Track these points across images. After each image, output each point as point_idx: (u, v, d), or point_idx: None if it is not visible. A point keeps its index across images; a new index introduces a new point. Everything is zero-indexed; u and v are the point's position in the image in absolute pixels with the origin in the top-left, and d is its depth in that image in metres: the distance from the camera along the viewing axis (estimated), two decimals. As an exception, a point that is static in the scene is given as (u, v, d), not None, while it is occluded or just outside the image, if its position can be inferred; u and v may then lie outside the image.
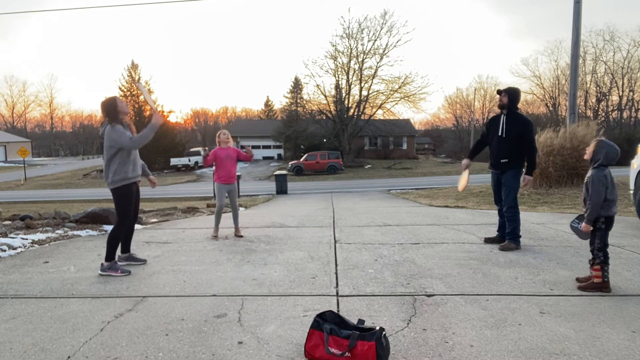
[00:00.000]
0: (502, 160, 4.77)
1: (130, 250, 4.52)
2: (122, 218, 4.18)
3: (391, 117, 39.89)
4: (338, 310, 3.06)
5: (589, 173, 3.39)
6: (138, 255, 4.66)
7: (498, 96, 4.89)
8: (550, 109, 48.68)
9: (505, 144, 4.74)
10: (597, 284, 3.33)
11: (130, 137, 4.05)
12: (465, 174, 5.17)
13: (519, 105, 4.91)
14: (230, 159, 5.93)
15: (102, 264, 4.10)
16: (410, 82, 36.88)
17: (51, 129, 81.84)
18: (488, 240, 5.18)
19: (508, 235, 4.83)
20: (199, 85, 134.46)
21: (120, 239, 4.23)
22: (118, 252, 4.30)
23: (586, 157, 3.48)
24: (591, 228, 3.35)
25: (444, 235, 5.79)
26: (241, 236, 5.98)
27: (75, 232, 6.45)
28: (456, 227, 6.46)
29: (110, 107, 4.11)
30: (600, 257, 3.34)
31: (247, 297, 3.39)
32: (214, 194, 16.53)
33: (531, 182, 4.69)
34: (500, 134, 4.78)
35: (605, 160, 3.33)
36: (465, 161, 5.18)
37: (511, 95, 4.76)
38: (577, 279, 3.60)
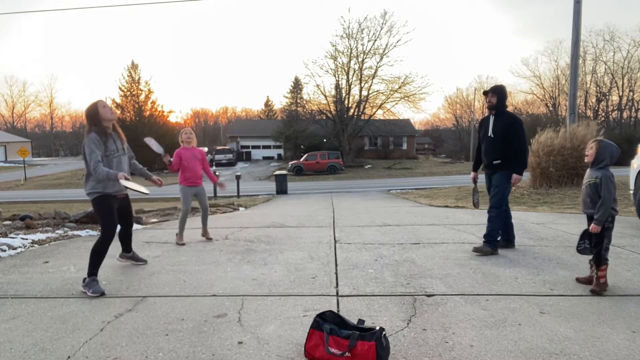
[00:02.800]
0: (494, 162, 4.62)
1: (132, 250, 4.44)
2: (105, 230, 3.72)
3: (391, 117, 39.91)
4: (338, 310, 3.06)
5: (595, 174, 3.32)
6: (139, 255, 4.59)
7: (485, 97, 4.72)
8: (550, 109, 48.68)
9: (495, 144, 4.60)
10: (604, 284, 3.32)
11: (98, 161, 3.59)
12: (476, 189, 5.12)
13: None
14: (195, 158, 5.63)
15: (84, 278, 3.67)
16: (410, 82, 36.93)
17: (51, 129, 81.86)
18: (477, 250, 4.83)
19: (485, 237, 4.61)
20: (199, 85, 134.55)
21: (104, 254, 3.72)
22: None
23: (588, 159, 3.40)
24: (599, 229, 3.26)
25: (444, 235, 5.79)
26: (210, 239, 5.70)
27: (75, 232, 6.45)
28: (456, 227, 6.46)
29: (92, 114, 3.73)
30: (606, 257, 3.31)
31: (247, 297, 3.39)
32: (213, 193, 16.51)
33: (519, 180, 4.53)
34: (489, 134, 4.65)
35: (610, 160, 3.31)
36: (472, 175, 5.10)
37: (500, 94, 4.62)
38: (578, 280, 3.59)
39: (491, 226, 4.58)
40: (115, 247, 5.30)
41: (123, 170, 3.85)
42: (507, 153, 4.56)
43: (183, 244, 5.48)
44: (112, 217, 3.77)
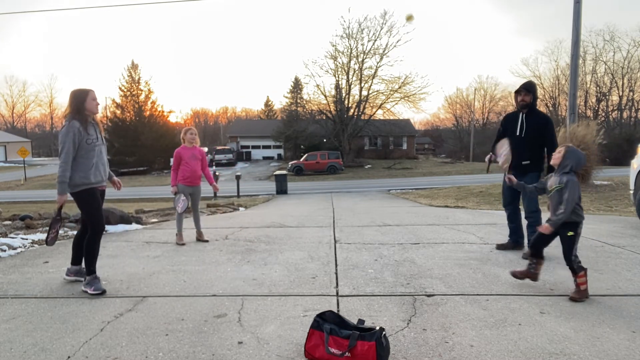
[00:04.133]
0: (523, 162, 4.41)
1: (81, 263, 3.87)
2: (94, 225, 3.64)
3: (391, 117, 39.90)
4: (338, 310, 3.06)
5: (561, 179, 3.27)
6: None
7: (516, 96, 4.53)
8: (550, 109, 48.67)
9: (525, 145, 4.40)
10: (584, 291, 3.23)
11: (68, 152, 3.47)
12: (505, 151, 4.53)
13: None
14: (195, 158, 5.56)
15: (85, 277, 3.65)
16: (410, 82, 36.90)
17: (51, 129, 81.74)
18: (501, 247, 4.81)
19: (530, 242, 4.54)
20: (199, 85, 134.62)
21: (98, 248, 3.69)
22: (68, 263, 3.94)
23: (554, 162, 3.37)
24: (551, 230, 3.26)
25: (444, 235, 5.79)
26: (206, 241, 5.62)
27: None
28: (456, 227, 6.46)
29: (79, 101, 3.57)
30: (580, 265, 3.25)
31: (247, 297, 3.39)
32: (213, 193, 16.52)
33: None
34: (518, 133, 4.43)
35: (576, 166, 3.28)
36: (488, 155, 4.80)
37: (534, 92, 4.45)
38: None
39: (534, 231, 4.38)
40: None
41: (102, 162, 3.71)
42: (537, 154, 4.43)
43: (183, 244, 5.47)
44: (101, 212, 3.67)
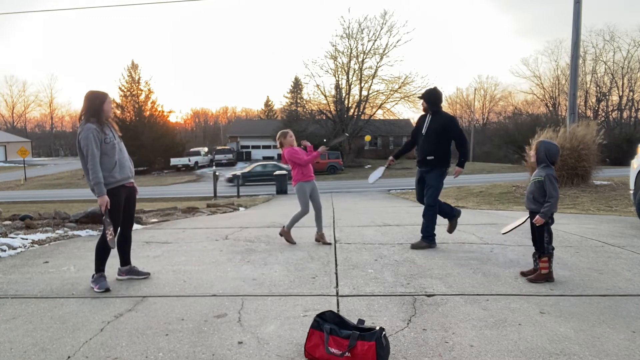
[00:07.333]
0: (428, 157, 4.82)
1: (130, 262, 3.99)
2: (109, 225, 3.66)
3: (391, 117, 39.95)
4: (338, 310, 3.06)
5: (540, 173, 3.61)
6: (140, 268, 4.10)
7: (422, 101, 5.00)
8: (550, 109, 48.68)
9: (428, 142, 4.83)
10: (544, 275, 3.56)
11: (93, 154, 3.49)
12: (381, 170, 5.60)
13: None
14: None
15: (92, 275, 3.72)
16: (410, 82, 36.98)
17: (51, 129, 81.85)
18: (415, 247, 4.96)
19: (422, 232, 4.94)
20: (199, 85, 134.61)
21: (109, 251, 3.70)
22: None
23: (532, 160, 3.73)
24: (543, 221, 3.55)
25: (444, 235, 5.78)
26: (328, 243, 5.32)
27: (75, 232, 6.45)
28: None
29: (97, 103, 3.62)
30: (549, 250, 3.58)
31: (247, 297, 3.39)
32: (213, 193, 16.52)
33: (461, 172, 4.84)
34: (423, 132, 4.89)
35: (550, 157, 3.61)
36: (390, 159, 5.43)
37: (427, 98, 4.90)
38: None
39: (427, 223, 4.92)
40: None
41: (125, 159, 3.74)
42: (440, 151, 4.81)
43: (294, 243, 5.37)
44: (119, 215, 3.71)
